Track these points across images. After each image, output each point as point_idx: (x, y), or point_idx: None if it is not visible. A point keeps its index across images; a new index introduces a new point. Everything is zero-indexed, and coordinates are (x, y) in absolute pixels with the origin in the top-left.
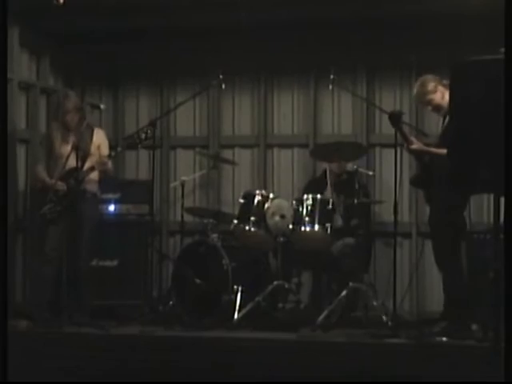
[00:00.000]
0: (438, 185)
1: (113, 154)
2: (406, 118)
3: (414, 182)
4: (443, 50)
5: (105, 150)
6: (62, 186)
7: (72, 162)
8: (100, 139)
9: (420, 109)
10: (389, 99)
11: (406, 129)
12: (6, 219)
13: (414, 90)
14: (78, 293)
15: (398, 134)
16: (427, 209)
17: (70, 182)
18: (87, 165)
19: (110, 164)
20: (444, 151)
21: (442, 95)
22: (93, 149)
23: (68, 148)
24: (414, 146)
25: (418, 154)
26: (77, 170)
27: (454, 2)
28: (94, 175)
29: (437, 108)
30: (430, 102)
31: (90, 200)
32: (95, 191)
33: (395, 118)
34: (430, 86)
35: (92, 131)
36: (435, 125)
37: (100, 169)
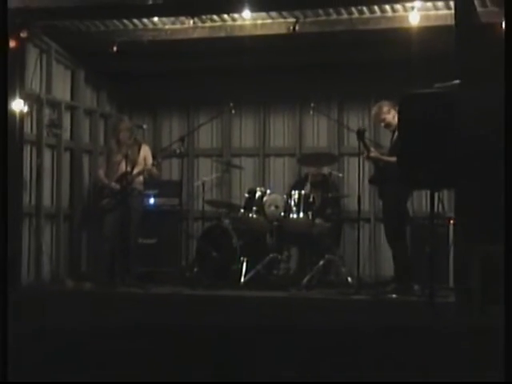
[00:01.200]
0: (388, 183)
1: (155, 163)
2: (366, 134)
3: (371, 181)
4: (394, 85)
5: (150, 161)
6: (116, 185)
7: (123, 168)
8: (145, 152)
9: (376, 126)
10: (354, 121)
11: (367, 141)
12: (7, 217)
13: (373, 111)
14: (127, 262)
15: (362, 145)
16: (381, 201)
17: (122, 182)
18: (135, 171)
19: (155, 169)
20: (394, 159)
21: (393, 116)
22: (140, 159)
23: (121, 157)
24: (372, 154)
25: (374, 161)
26: (127, 174)
27: (399, 51)
28: (140, 178)
29: (388, 125)
30: (383, 120)
31: (136, 196)
32: (141, 189)
33: (361, 133)
34: (385, 108)
35: (139, 146)
36: (387, 140)
37: (147, 175)
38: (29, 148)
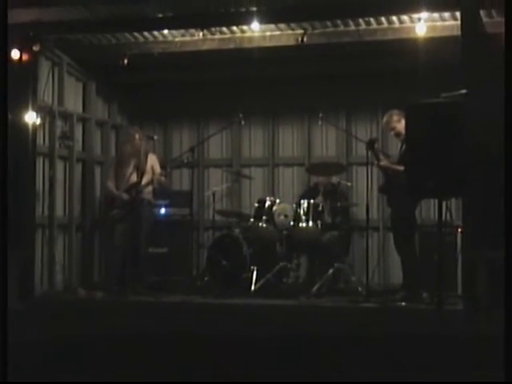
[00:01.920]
0: (397, 191)
1: (163, 172)
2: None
3: (381, 190)
4: (401, 95)
5: (157, 169)
6: (125, 196)
7: (133, 179)
8: (153, 162)
9: (386, 135)
10: (362, 131)
11: (376, 151)
12: (7, 222)
13: (384, 119)
14: (138, 272)
15: (371, 154)
16: (390, 209)
17: (131, 192)
18: (144, 181)
19: (163, 179)
20: (402, 168)
21: (403, 126)
22: (147, 168)
23: (130, 167)
24: (382, 163)
25: (384, 170)
26: (136, 184)
27: (406, 61)
28: (149, 188)
29: (398, 134)
30: (393, 129)
31: (146, 206)
32: (150, 199)
33: (371, 143)
34: (396, 117)
35: (146, 156)
36: (395, 149)
37: (156, 184)
38: (41, 160)
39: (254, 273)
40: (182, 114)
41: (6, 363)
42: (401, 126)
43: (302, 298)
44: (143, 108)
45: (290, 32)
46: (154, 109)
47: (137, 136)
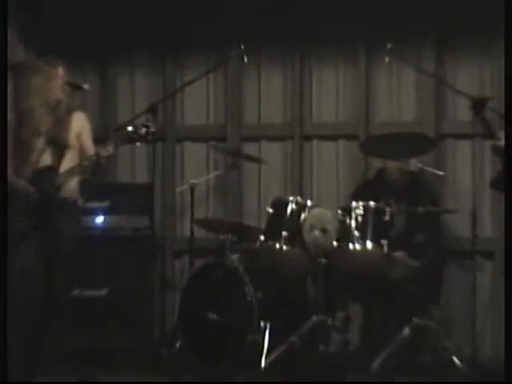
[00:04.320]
0: None
1: (104, 151)
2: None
3: (495, 184)
4: None
5: (88, 143)
6: (31, 188)
7: (44, 159)
8: (80, 126)
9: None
10: (466, 76)
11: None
12: (7, 220)
13: None
14: (55, 333)
15: (480, 122)
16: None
17: (41, 184)
18: (65, 163)
19: (110, 151)
20: None
21: None
22: (71, 138)
23: (39, 138)
24: (499, 143)
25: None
26: (51, 169)
27: None
28: (75, 177)
29: None
30: None
31: (70, 209)
32: (75, 197)
33: (480, 103)
34: None
35: (71, 115)
36: None
37: (88, 168)
38: None
39: (266, 334)
40: (134, 45)
41: (6, 363)
42: None
43: (352, 378)
44: (65, 34)
45: None
46: (87, 37)
47: (53, 73)
